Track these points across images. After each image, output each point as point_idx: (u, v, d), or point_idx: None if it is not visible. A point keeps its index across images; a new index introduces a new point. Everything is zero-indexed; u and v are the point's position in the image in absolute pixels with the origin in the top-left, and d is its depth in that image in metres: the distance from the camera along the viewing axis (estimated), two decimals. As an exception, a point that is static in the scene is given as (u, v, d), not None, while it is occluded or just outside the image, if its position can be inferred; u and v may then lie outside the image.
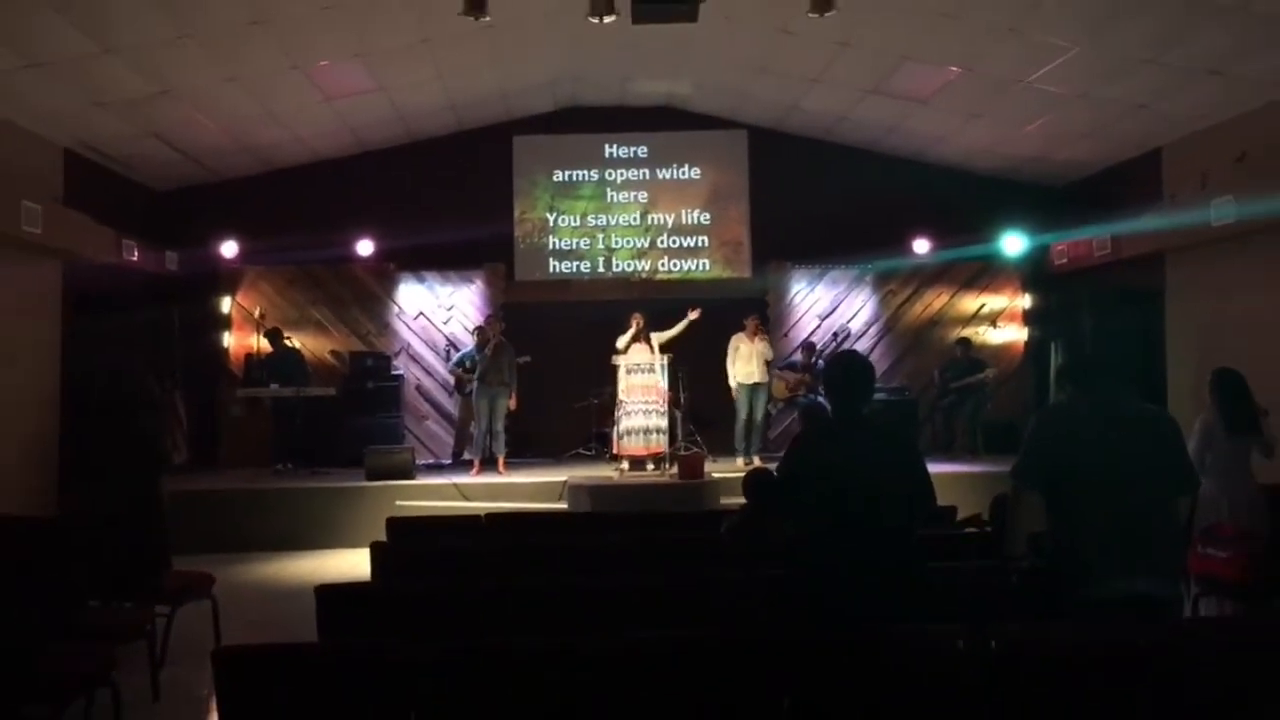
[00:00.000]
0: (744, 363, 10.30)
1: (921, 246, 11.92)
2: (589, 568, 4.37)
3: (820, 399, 10.23)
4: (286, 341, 11.03)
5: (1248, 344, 8.54)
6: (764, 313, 12.05)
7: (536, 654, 2.89)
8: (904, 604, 3.28)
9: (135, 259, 10.48)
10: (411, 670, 2.84)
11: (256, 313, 11.62)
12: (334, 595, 3.70)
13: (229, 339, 11.91)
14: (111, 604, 5.14)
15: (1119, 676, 2.97)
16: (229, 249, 11.43)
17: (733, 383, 10.34)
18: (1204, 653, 3.08)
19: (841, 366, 3.87)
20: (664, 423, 9.73)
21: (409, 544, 5.29)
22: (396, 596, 3.93)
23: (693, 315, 10.01)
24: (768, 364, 10.44)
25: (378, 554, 4.76)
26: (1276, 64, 7.92)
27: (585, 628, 3.24)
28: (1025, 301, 12.42)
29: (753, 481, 5.22)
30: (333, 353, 11.95)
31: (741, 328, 10.41)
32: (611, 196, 12.63)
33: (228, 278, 11.91)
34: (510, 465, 10.36)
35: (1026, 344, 12.37)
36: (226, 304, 11.91)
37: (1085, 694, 2.94)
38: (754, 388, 10.32)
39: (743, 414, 10.35)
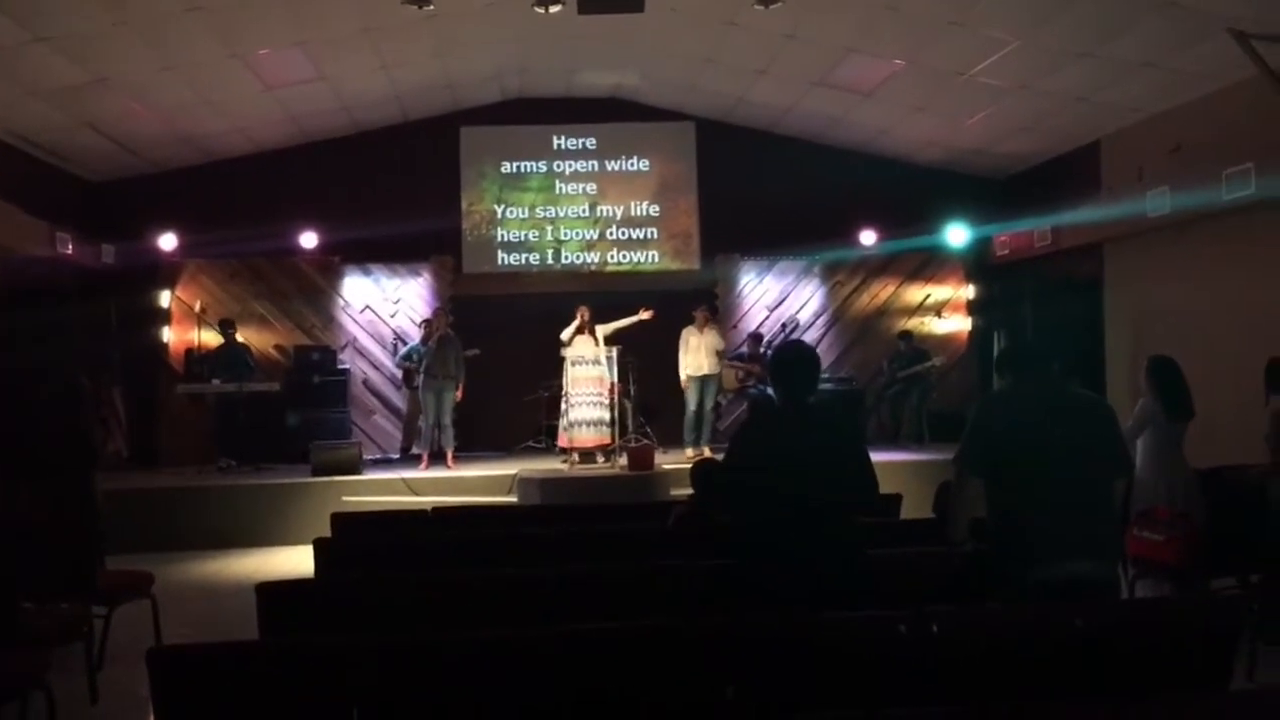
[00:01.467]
0: (693, 355, 10.30)
1: (868, 238, 12.04)
2: (534, 560, 4.34)
3: (770, 389, 10.27)
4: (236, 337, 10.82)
5: (1182, 331, 8.76)
6: (713, 304, 12.09)
7: (478, 646, 2.87)
8: (847, 590, 3.31)
9: (70, 252, 10.20)
10: (352, 666, 2.80)
11: (197, 307, 11.39)
12: (275, 592, 3.64)
13: (169, 334, 11.65)
14: (46, 605, 5.01)
15: (1058, 658, 3.02)
16: (168, 242, 11.17)
17: (683, 375, 10.35)
18: (1141, 633, 3.14)
19: (787, 356, 3.89)
20: (608, 415, 9.71)
21: (354, 539, 5.23)
22: (339, 592, 3.88)
23: (645, 315, 9.97)
24: (719, 355, 10.46)
25: (321, 550, 4.70)
26: (1208, 57, 8.10)
27: (530, 620, 3.21)
28: (969, 291, 12.60)
29: (700, 472, 5.26)
30: (277, 347, 11.76)
31: (692, 320, 10.41)
32: (560, 188, 12.57)
33: (167, 271, 11.64)
34: (459, 459, 10.29)
35: (971, 333, 12.55)
36: (166, 298, 11.64)
37: (1025, 675, 2.98)
38: (704, 379, 10.32)
39: (692, 405, 10.36)
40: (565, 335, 9.82)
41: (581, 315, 9.86)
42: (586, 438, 9.68)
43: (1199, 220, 8.71)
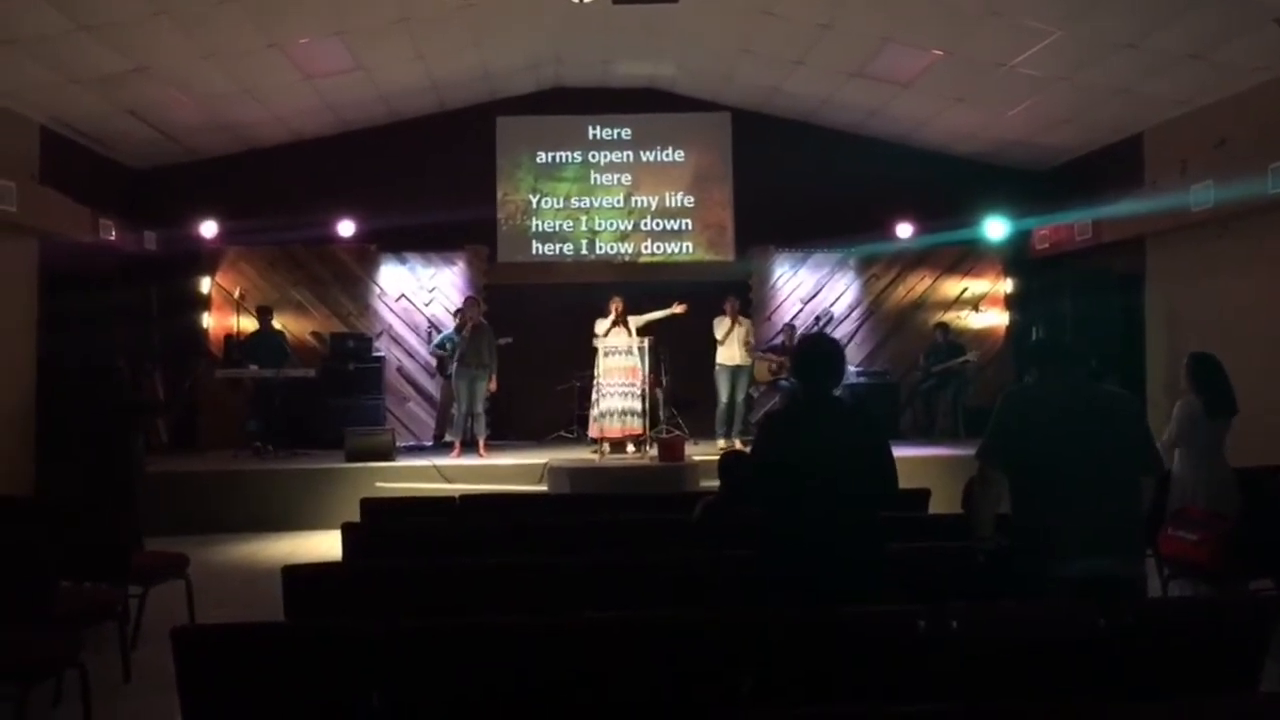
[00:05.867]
0: (724, 345, 10.27)
1: (904, 230, 11.92)
2: (557, 549, 4.37)
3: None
4: (273, 323, 10.95)
5: (1224, 327, 8.60)
6: (746, 296, 12.05)
7: (495, 633, 2.89)
8: (867, 584, 3.29)
9: (113, 238, 10.38)
10: (372, 649, 2.83)
11: (236, 293, 11.55)
12: (301, 575, 3.69)
13: (208, 319, 11.83)
14: (83, 584, 5.11)
15: (1079, 656, 2.98)
16: (208, 229, 11.34)
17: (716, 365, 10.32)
18: (1165, 633, 3.10)
19: (811, 349, 3.87)
20: (639, 405, 9.70)
21: (382, 525, 5.29)
22: (363, 576, 3.92)
23: (678, 309, 9.92)
24: (749, 346, 10.40)
25: (349, 534, 4.76)
26: (1255, 49, 7.92)
27: (550, 608, 3.23)
28: (1007, 286, 12.44)
29: (726, 463, 5.26)
30: (314, 334, 11.90)
31: (723, 311, 10.38)
32: (595, 178, 12.59)
33: (207, 258, 11.82)
34: (491, 447, 10.34)
35: (1008, 328, 12.40)
36: (206, 284, 11.82)
37: (1045, 674, 2.95)
38: (735, 370, 10.27)
39: (724, 397, 10.31)
40: (600, 328, 9.79)
41: (615, 307, 9.84)
42: (617, 428, 9.68)
43: (1244, 214, 8.53)
